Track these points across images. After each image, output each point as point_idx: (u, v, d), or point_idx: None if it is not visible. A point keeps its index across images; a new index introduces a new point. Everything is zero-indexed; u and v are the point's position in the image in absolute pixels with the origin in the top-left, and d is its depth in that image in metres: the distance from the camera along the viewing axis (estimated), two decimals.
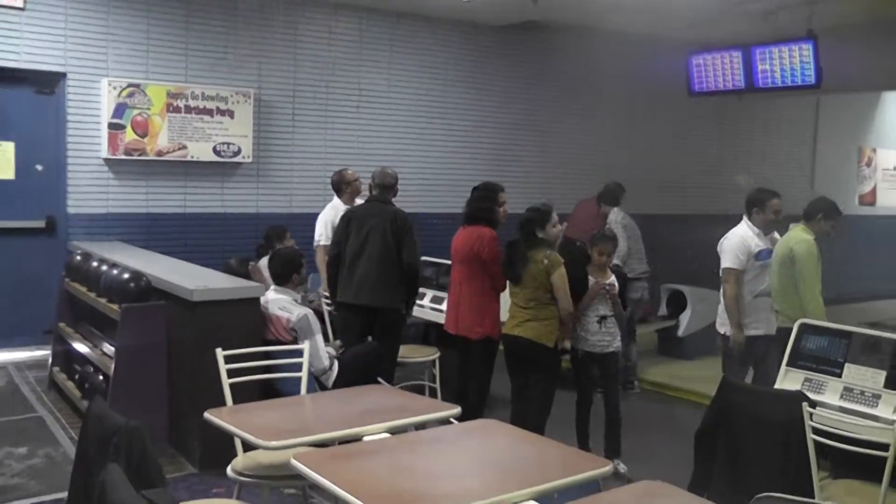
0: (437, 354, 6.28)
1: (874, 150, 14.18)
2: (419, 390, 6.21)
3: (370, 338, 5.41)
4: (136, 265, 5.10)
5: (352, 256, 5.51)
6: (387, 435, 2.85)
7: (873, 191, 14.27)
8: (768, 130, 12.52)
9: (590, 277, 4.95)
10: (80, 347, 5.36)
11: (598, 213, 7.37)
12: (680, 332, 8.23)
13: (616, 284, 5.02)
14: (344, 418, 3.13)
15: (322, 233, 6.71)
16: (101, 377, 4.92)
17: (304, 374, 3.82)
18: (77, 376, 5.21)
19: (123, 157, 6.94)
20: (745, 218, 5.33)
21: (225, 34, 7.52)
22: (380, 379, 4.45)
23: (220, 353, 3.59)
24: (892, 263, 14.37)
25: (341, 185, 6.84)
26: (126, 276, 4.75)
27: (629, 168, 10.00)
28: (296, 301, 4.77)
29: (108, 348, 5.05)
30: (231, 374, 3.62)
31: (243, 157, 7.54)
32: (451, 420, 3.14)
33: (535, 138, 9.77)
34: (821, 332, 4.36)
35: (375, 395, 3.64)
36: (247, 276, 5.07)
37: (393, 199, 5.76)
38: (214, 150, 7.36)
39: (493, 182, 5.51)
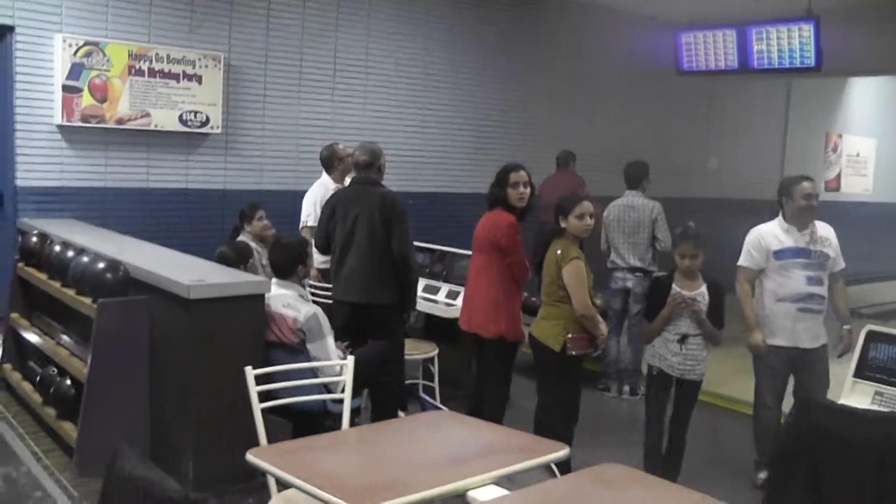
0: (436, 351, 5.76)
1: (840, 136, 14.07)
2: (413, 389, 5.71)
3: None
4: (107, 250, 4.42)
5: (340, 248, 4.92)
6: (494, 487, 2.31)
7: (838, 177, 14.17)
8: (740, 114, 12.23)
9: (673, 286, 4.28)
10: (39, 343, 4.66)
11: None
12: None
13: (704, 297, 4.25)
14: (430, 463, 2.59)
15: (311, 212, 6.10)
16: (68, 382, 4.24)
17: (346, 396, 3.22)
18: (38, 378, 4.50)
19: (80, 124, 6.16)
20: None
21: None
22: (428, 399, 3.89)
23: (251, 373, 2.97)
24: (857, 249, 14.32)
25: (332, 161, 6.23)
26: (101, 265, 4.07)
27: (604, 149, 9.57)
28: (302, 297, 4.16)
29: (75, 347, 4.38)
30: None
31: (211, 128, 6.82)
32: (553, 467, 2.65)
33: (518, 113, 9.23)
34: (892, 341, 3.96)
35: (446, 427, 3.09)
36: (242, 265, 4.42)
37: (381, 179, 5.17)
38: (181, 118, 6.63)
39: (511, 162, 4.98)
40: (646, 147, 10.31)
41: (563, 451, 2.76)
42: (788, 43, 8.21)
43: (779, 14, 8.19)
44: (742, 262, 4.69)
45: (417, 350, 5.61)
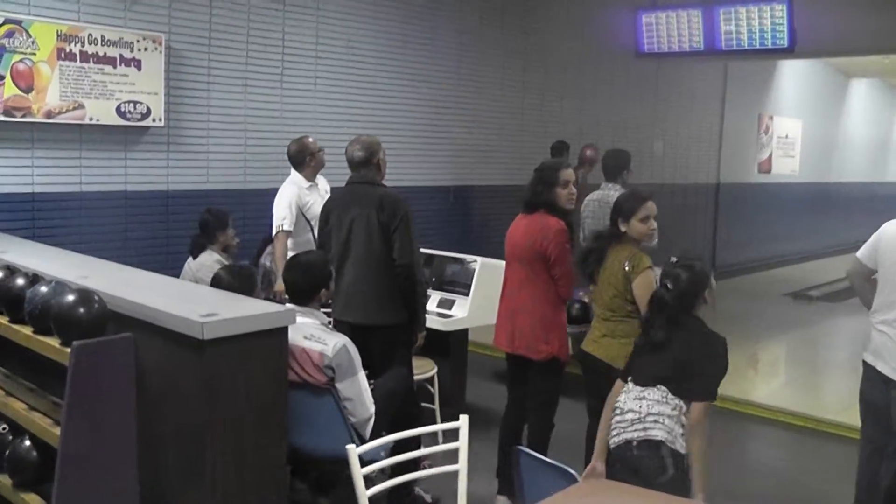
0: (435, 370, 5.13)
1: (771, 118, 14.05)
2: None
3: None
4: (62, 273, 3.58)
5: (337, 260, 4.23)
6: None
7: (769, 158, 14.16)
8: (683, 97, 11.99)
9: None
10: None
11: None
12: None
13: None
14: None
15: (285, 215, 5.37)
16: (27, 444, 3.41)
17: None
18: None
19: (2, 118, 5.20)
20: None
21: None
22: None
23: (354, 452, 2.28)
24: (788, 230, 14.42)
25: (303, 157, 5.51)
26: (69, 297, 3.23)
27: (560, 133, 9.10)
28: (326, 326, 3.45)
29: (33, 397, 3.53)
30: None
31: (153, 120, 5.94)
32: None
33: (472, 97, 8.62)
34: None
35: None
36: (248, 290, 3.66)
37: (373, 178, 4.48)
38: (118, 110, 5.73)
39: (557, 158, 4.40)
40: (601, 132, 9.93)
41: None
42: (759, 23, 7.88)
43: None
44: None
45: (414, 368, 4.96)
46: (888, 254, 3.66)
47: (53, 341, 3.26)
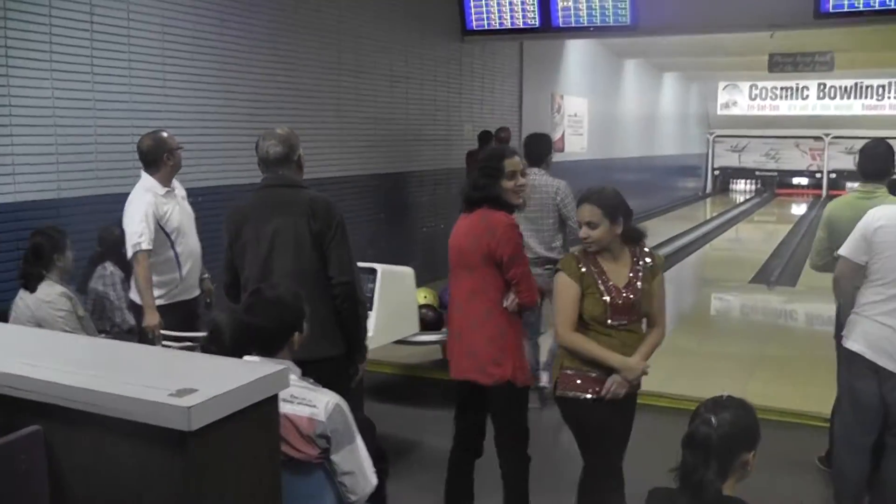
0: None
1: (562, 97, 14.24)
2: None
3: None
4: None
5: (254, 283, 3.40)
6: None
7: (562, 137, 14.37)
8: (483, 76, 11.75)
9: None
10: None
11: None
12: None
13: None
14: None
15: (142, 231, 4.36)
16: None
17: None
18: None
19: None
20: None
21: None
22: None
23: None
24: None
25: (159, 155, 4.53)
26: None
27: (372, 119, 8.55)
28: (311, 383, 2.65)
29: None
30: None
31: None
32: None
33: (287, 79, 7.76)
34: None
35: None
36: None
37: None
38: None
39: (502, 145, 3.81)
40: (410, 115, 9.48)
41: None
42: (600, 0, 7.71)
43: None
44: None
45: None
46: (889, 242, 3.46)
47: None
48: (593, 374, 3.32)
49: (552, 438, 4.78)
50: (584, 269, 3.31)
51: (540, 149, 5.77)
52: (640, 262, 3.39)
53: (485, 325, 3.57)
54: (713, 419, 2.27)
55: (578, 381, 3.33)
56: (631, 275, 3.35)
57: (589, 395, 3.31)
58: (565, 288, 3.31)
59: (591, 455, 3.42)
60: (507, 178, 3.59)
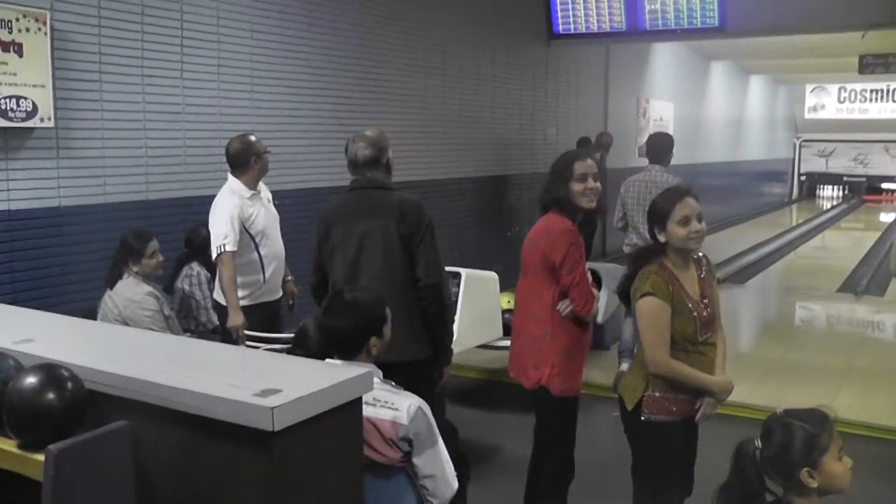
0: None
1: (647, 101, 14.01)
2: None
3: None
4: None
5: (341, 285, 3.40)
6: None
7: None
8: (569, 80, 11.62)
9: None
10: None
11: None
12: (599, 319, 6.92)
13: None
14: None
15: (227, 233, 4.40)
16: None
17: None
18: None
19: None
20: None
21: None
22: None
23: None
24: None
25: (247, 158, 4.58)
26: (31, 379, 2.25)
27: (456, 122, 8.52)
28: (393, 386, 2.62)
29: None
30: None
31: (40, 120, 4.79)
32: None
33: (376, 81, 7.78)
34: None
35: None
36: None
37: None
38: None
39: (574, 149, 3.74)
40: (496, 119, 9.44)
41: None
42: (687, 1, 7.52)
43: None
44: None
45: None
46: None
47: (12, 447, 2.27)
48: (685, 397, 3.19)
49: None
50: (671, 288, 3.12)
51: (662, 147, 6.05)
52: (704, 267, 3.26)
53: (532, 327, 3.54)
54: (757, 439, 2.26)
55: (674, 408, 3.16)
56: (699, 284, 3.22)
57: (680, 419, 3.19)
58: (661, 312, 3.08)
59: (661, 480, 3.27)
60: (576, 181, 3.50)
